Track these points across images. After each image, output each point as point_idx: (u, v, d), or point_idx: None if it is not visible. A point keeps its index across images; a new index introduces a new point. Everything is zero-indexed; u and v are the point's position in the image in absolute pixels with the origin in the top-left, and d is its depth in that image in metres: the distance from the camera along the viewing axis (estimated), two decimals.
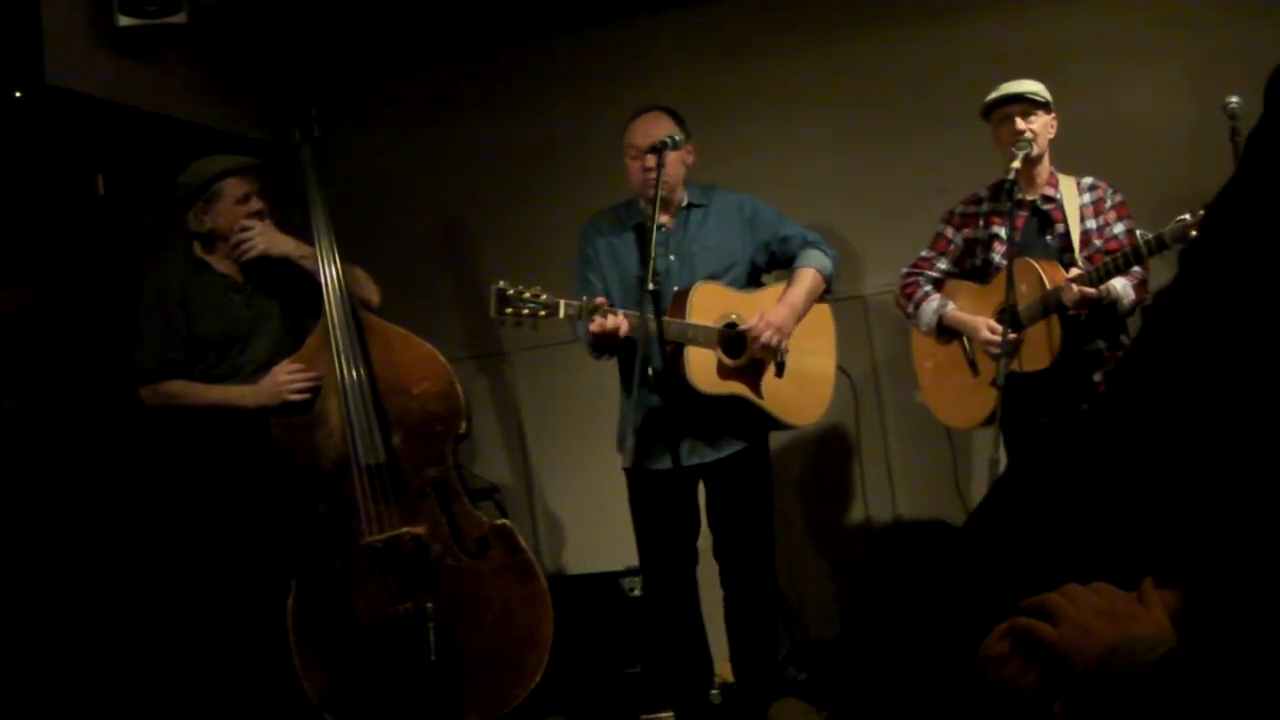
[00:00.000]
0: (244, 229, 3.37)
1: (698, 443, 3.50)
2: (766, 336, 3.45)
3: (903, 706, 1.34)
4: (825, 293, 3.66)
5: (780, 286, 3.60)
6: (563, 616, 3.24)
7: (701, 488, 3.63)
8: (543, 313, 3.31)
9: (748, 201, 3.67)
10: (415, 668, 3.08)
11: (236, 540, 3.29)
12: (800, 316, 3.55)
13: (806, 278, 3.57)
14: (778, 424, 3.61)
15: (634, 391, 3.16)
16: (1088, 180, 3.57)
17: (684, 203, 3.62)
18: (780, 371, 3.56)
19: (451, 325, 4.76)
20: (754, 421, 3.56)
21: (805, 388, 3.62)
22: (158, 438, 3.43)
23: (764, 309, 3.50)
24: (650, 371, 3.33)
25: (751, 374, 3.53)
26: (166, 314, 3.34)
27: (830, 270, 3.61)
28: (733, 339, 3.49)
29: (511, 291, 3.29)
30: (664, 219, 3.58)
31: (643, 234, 3.50)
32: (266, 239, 3.37)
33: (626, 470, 3.53)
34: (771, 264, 3.68)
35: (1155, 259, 3.31)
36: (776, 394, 3.55)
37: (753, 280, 3.66)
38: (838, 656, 4.05)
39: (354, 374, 3.19)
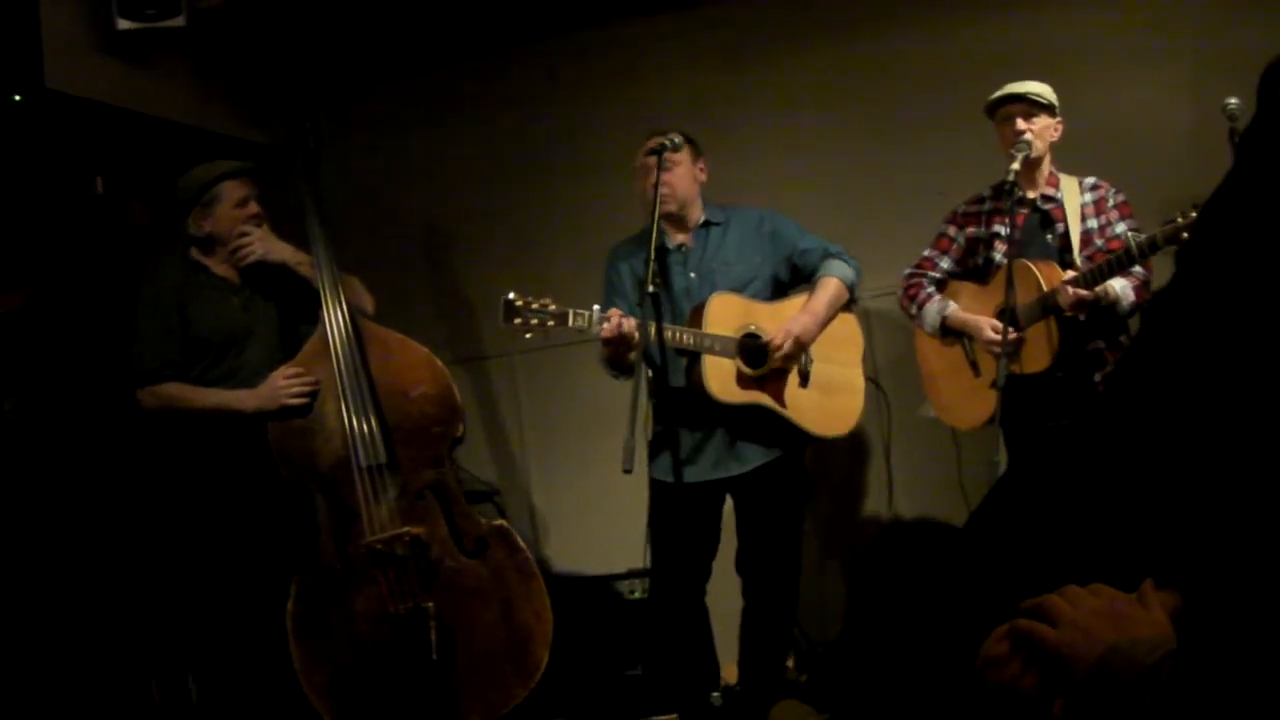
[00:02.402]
0: (242, 234, 3.39)
1: (724, 455, 3.48)
2: (784, 344, 3.41)
3: (903, 708, 1.34)
4: (850, 302, 3.63)
5: (803, 297, 3.57)
6: (561, 619, 3.24)
7: (729, 501, 3.60)
8: (551, 322, 3.30)
9: (768, 216, 3.65)
10: (416, 668, 3.08)
11: (236, 544, 3.29)
12: (823, 325, 3.52)
13: (829, 287, 3.54)
14: (805, 435, 3.54)
15: (633, 397, 3.11)
16: (1089, 180, 3.57)
17: (700, 221, 3.61)
18: (805, 381, 3.53)
19: (448, 328, 4.75)
20: (782, 433, 3.51)
21: (832, 398, 3.57)
22: (156, 441, 3.43)
23: (785, 319, 3.48)
24: (650, 373, 3.32)
25: (773, 384, 3.49)
26: (164, 316, 3.35)
27: (853, 280, 3.59)
28: (754, 349, 3.47)
29: (520, 302, 3.27)
30: (682, 238, 3.60)
31: (662, 254, 3.50)
32: (265, 244, 3.40)
33: (651, 480, 3.49)
34: (795, 277, 3.64)
35: (1158, 260, 3.30)
36: (801, 404, 3.51)
37: (776, 295, 3.61)
38: (839, 658, 4.04)
39: (354, 377, 3.20)
